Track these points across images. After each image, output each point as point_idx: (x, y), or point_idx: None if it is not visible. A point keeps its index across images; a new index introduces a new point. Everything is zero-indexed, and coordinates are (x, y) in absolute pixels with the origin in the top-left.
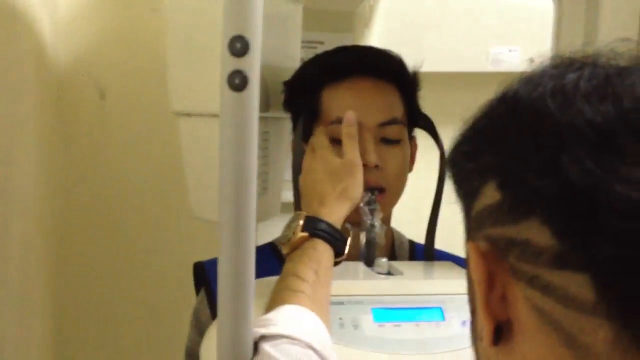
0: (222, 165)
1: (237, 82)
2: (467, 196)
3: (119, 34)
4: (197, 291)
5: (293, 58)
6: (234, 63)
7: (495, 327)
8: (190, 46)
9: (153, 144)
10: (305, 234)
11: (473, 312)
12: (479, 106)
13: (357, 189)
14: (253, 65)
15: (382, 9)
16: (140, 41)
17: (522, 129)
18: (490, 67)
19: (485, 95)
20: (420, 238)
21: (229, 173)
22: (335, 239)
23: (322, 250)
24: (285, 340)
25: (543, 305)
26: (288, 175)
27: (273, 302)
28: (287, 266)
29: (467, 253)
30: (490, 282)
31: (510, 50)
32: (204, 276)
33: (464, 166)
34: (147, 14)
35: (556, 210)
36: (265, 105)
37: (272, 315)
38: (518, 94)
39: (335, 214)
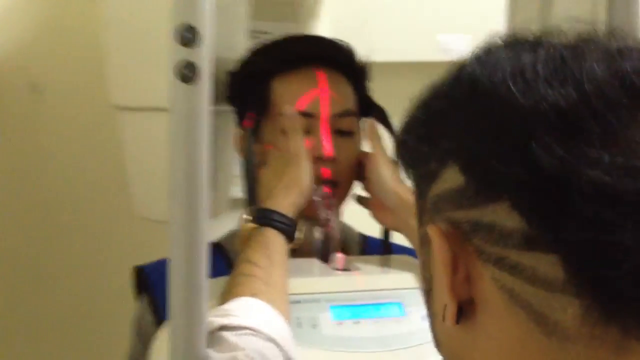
0: (172, 161)
1: (187, 73)
2: (422, 179)
3: (54, 23)
4: (138, 297)
5: (239, 48)
6: (183, 53)
7: (458, 307)
8: (130, 34)
9: (91, 140)
10: (253, 225)
11: (428, 292)
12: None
13: (303, 176)
14: (204, 56)
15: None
16: (77, 31)
17: (485, 113)
18: (440, 56)
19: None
20: (369, 231)
21: (180, 169)
22: (282, 224)
23: (271, 237)
24: (247, 331)
25: (511, 285)
26: (236, 170)
27: (228, 291)
28: (241, 256)
29: (426, 235)
30: (454, 263)
31: (459, 39)
32: (146, 281)
33: (418, 149)
34: (83, 2)
35: (526, 195)
36: (213, 98)
37: (230, 305)
38: (475, 76)
39: (282, 203)
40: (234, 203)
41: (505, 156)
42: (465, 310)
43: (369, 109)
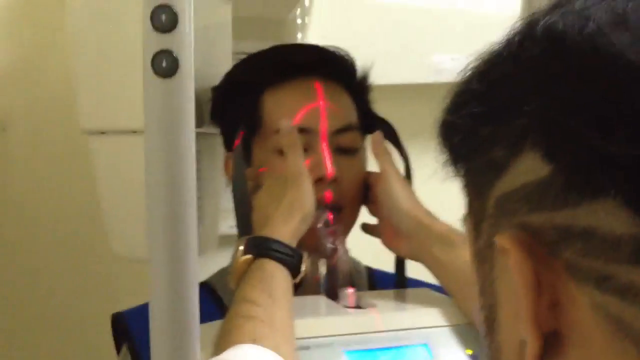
0: (149, 175)
1: (165, 65)
2: (481, 172)
3: (19, 59)
4: (118, 348)
5: (224, 68)
6: (159, 41)
7: (542, 343)
8: (99, 48)
9: (63, 176)
10: (248, 256)
11: (491, 322)
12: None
13: (305, 199)
14: (184, 43)
15: (315, 18)
16: (44, 66)
17: (580, 76)
18: (433, 78)
19: (427, 107)
20: (375, 264)
21: (160, 185)
22: (284, 254)
23: (272, 270)
24: None
25: (620, 313)
26: (223, 203)
27: (223, 337)
28: (236, 294)
29: (488, 249)
30: (538, 284)
31: (452, 59)
32: (126, 330)
33: (474, 131)
34: (48, 33)
35: None
36: (198, 119)
37: (227, 355)
38: (559, 29)
39: (282, 230)
40: (223, 240)
41: (612, 133)
42: (547, 345)
43: (373, 125)
